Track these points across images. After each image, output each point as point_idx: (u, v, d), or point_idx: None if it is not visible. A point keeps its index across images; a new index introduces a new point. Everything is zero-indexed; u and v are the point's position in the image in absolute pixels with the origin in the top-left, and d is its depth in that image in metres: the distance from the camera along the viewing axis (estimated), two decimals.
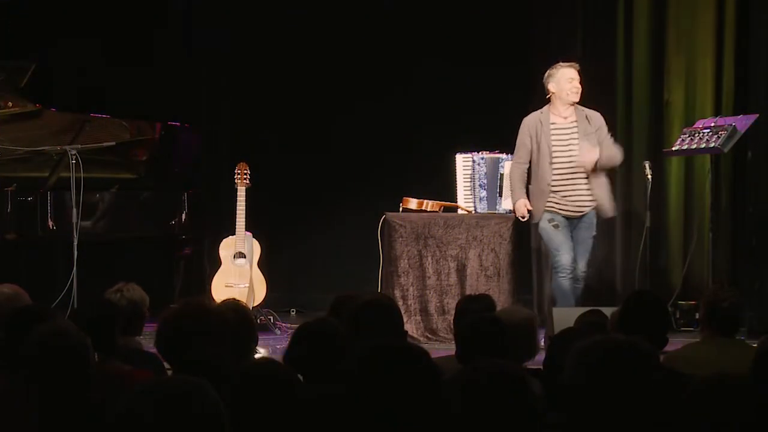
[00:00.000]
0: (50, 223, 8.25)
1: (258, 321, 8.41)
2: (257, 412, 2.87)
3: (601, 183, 7.59)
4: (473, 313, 4.57)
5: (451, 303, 7.72)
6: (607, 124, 9.10)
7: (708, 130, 8.01)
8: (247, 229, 8.69)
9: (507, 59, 9.66)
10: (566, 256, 7.49)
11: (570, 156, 7.55)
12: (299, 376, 3.25)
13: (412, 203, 8.20)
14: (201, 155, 9.42)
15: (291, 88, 10.14)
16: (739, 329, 4.73)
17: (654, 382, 2.63)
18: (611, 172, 7.83)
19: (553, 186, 7.53)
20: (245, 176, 8.71)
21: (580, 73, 7.67)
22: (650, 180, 8.25)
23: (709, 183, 8.28)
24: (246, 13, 10.12)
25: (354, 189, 9.86)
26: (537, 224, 7.72)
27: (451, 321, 7.11)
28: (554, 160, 7.53)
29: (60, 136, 8.44)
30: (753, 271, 8.43)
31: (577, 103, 7.66)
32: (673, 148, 8.28)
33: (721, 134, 7.89)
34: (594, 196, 7.56)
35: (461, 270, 7.99)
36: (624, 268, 9.04)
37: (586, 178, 7.54)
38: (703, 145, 7.99)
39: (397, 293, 7.90)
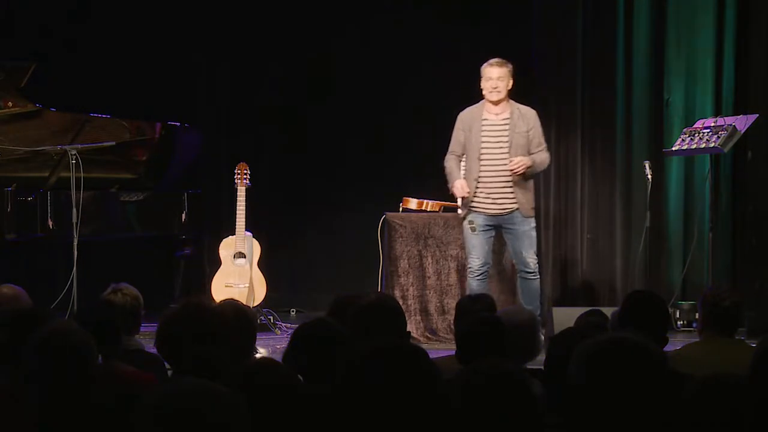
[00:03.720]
0: (50, 223, 8.25)
1: (258, 321, 8.42)
2: (257, 412, 2.87)
3: (523, 186, 7.50)
4: (473, 313, 4.57)
5: (451, 303, 7.73)
6: (607, 124, 9.15)
7: (708, 130, 8.01)
8: (247, 229, 8.69)
9: (508, 60, 9.65)
10: (476, 260, 7.48)
11: (499, 153, 7.48)
12: (299, 376, 3.25)
13: (412, 203, 8.20)
14: (201, 155, 9.41)
15: (291, 88, 10.14)
16: (739, 329, 4.73)
17: (660, 384, 2.64)
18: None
19: (479, 183, 7.48)
20: (245, 176, 8.71)
21: (512, 71, 7.56)
22: (650, 180, 8.25)
23: (709, 183, 8.29)
24: (246, 13, 10.12)
25: (354, 189, 9.86)
26: (462, 219, 7.62)
27: (451, 321, 7.13)
28: (482, 157, 7.48)
29: (60, 136, 8.43)
30: (753, 271, 8.43)
31: (516, 100, 7.63)
32: (673, 148, 8.28)
33: (721, 134, 7.89)
34: (515, 198, 7.48)
35: (461, 270, 7.99)
36: (624, 268, 9.04)
37: (510, 179, 7.46)
38: (703, 145, 7.99)
39: (397, 293, 7.90)
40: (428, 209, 8.17)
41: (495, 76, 7.55)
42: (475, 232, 7.49)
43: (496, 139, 7.51)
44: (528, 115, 7.58)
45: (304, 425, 2.91)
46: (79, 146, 8.20)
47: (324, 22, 10.07)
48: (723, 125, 7.95)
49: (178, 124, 8.97)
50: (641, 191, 8.56)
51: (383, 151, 9.91)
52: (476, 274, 7.49)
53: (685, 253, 8.86)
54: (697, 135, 8.06)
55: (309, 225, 10.08)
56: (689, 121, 8.59)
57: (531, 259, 7.50)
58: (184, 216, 8.87)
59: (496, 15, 9.73)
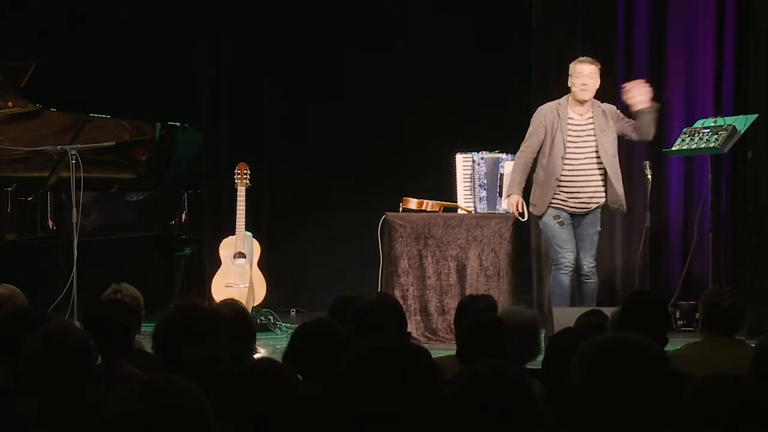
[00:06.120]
0: (50, 223, 8.24)
1: (258, 321, 8.42)
2: (257, 412, 2.87)
3: (618, 179, 7.53)
4: (474, 313, 4.57)
5: (451, 303, 7.72)
6: None
7: (708, 130, 8.01)
8: (247, 229, 8.69)
9: (508, 60, 9.67)
10: (570, 254, 7.49)
11: (583, 155, 7.51)
12: (299, 376, 3.25)
13: (412, 203, 8.20)
14: (201, 155, 9.41)
15: (291, 88, 10.15)
16: (739, 329, 4.73)
17: (660, 384, 2.64)
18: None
19: (561, 182, 7.49)
20: (245, 176, 8.71)
21: (601, 70, 7.57)
22: (650, 180, 8.24)
23: (709, 183, 8.28)
24: (246, 13, 10.13)
25: (354, 189, 9.87)
26: (539, 217, 7.66)
27: (451, 321, 7.12)
28: (567, 157, 7.48)
29: (60, 136, 8.42)
30: (753, 271, 8.42)
31: (595, 98, 7.62)
32: (673, 148, 8.28)
33: (721, 134, 7.88)
34: (608, 193, 7.51)
35: (461, 270, 7.99)
36: (624, 268, 9.04)
37: (602, 174, 7.50)
38: (703, 145, 7.98)
39: (397, 293, 7.89)
40: (428, 209, 8.17)
41: (586, 73, 7.52)
42: (564, 226, 7.49)
43: (582, 139, 7.50)
44: (609, 111, 7.57)
45: (304, 425, 2.91)
46: (79, 146, 8.20)
47: (325, 22, 10.08)
48: (723, 125, 7.94)
49: (178, 124, 8.97)
50: (641, 191, 8.56)
51: (384, 151, 9.91)
52: (570, 269, 7.49)
53: (685, 253, 8.86)
54: (697, 135, 8.05)
55: (309, 225, 10.08)
56: (689, 121, 8.58)
57: (585, 262, 7.54)
58: (184, 216, 8.87)
59: (496, 16, 9.73)
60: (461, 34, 9.79)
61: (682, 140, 8.18)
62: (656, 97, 9.02)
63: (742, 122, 7.96)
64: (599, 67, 7.61)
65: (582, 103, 7.53)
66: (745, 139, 8.17)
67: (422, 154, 9.60)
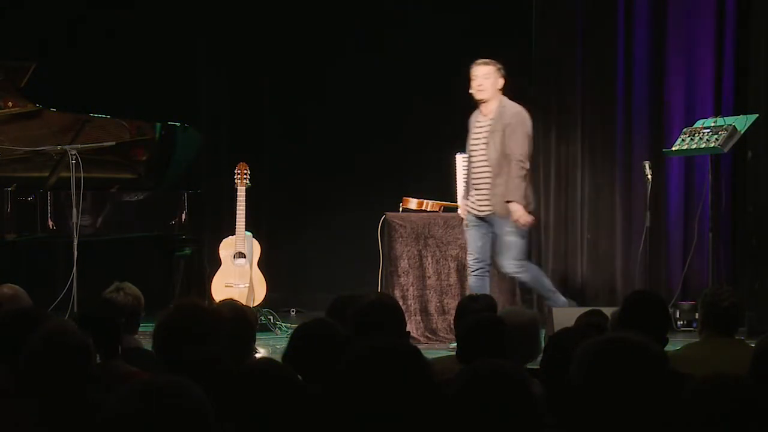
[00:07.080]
0: (50, 223, 8.25)
1: (258, 321, 8.42)
2: (257, 411, 2.87)
3: (493, 186, 7.37)
4: (474, 313, 4.57)
5: (451, 303, 7.73)
6: (607, 124, 9.14)
7: (708, 130, 8.00)
8: (247, 229, 8.69)
9: (507, 60, 9.65)
10: (470, 255, 7.52)
11: (481, 154, 7.42)
12: (299, 376, 3.25)
13: (412, 203, 8.20)
14: (201, 155, 9.41)
15: (291, 88, 10.15)
16: (738, 329, 4.73)
17: (660, 384, 2.64)
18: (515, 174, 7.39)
19: (471, 184, 7.52)
20: (245, 176, 8.71)
21: (500, 69, 7.48)
22: (650, 180, 8.24)
23: (709, 183, 8.28)
24: (246, 14, 10.13)
25: (354, 189, 9.87)
26: None
27: (451, 321, 7.12)
28: (471, 158, 7.52)
29: (60, 136, 8.43)
30: (753, 271, 8.42)
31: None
32: (673, 148, 8.28)
33: (721, 134, 7.88)
34: (489, 200, 7.41)
35: (461, 270, 7.99)
36: (624, 268, 9.04)
37: (490, 179, 7.40)
38: (703, 145, 7.98)
39: (397, 293, 7.90)
40: (428, 209, 8.17)
41: (480, 74, 7.51)
42: (468, 228, 7.52)
43: (480, 141, 7.49)
44: (506, 113, 7.41)
45: (304, 425, 2.91)
46: (79, 146, 8.20)
47: (325, 22, 10.08)
48: (723, 125, 7.94)
49: (178, 124, 8.97)
50: (641, 191, 8.56)
51: (383, 151, 9.91)
52: (470, 270, 7.52)
53: (685, 253, 8.85)
54: (697, 135, 8.05)
55: (309, 225, 10.09)
56: (689, 121, 8.58)
57: (504, 262, 7.41)
58: (184, 216, 8.87)
59: (496, 16, 9.73)
60: (461, 35, 9.78)
61: (682, 140, 8.17)
62: (656, 97, 9.08)
63: (742, 122, 7.96)
64: (496, 67, 7.51)
65: (485, 103, 7.47)
66: (745, 139, 8.17)
67: (422, 154, 9.60)
